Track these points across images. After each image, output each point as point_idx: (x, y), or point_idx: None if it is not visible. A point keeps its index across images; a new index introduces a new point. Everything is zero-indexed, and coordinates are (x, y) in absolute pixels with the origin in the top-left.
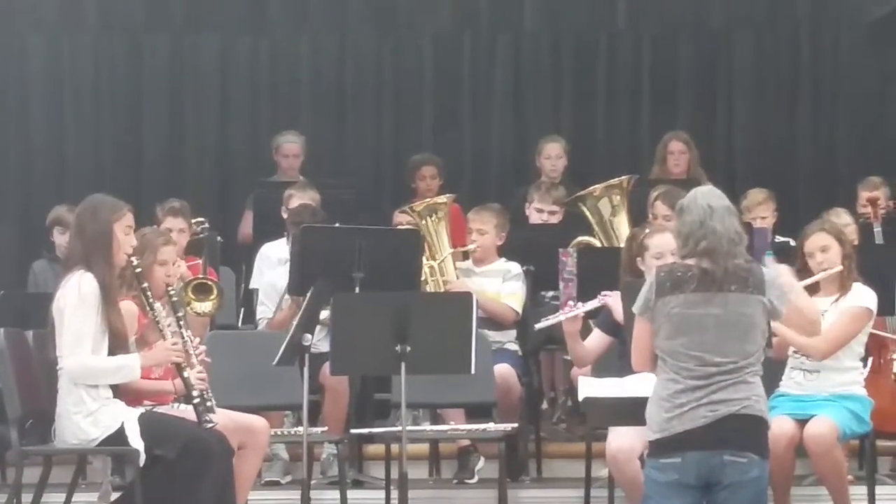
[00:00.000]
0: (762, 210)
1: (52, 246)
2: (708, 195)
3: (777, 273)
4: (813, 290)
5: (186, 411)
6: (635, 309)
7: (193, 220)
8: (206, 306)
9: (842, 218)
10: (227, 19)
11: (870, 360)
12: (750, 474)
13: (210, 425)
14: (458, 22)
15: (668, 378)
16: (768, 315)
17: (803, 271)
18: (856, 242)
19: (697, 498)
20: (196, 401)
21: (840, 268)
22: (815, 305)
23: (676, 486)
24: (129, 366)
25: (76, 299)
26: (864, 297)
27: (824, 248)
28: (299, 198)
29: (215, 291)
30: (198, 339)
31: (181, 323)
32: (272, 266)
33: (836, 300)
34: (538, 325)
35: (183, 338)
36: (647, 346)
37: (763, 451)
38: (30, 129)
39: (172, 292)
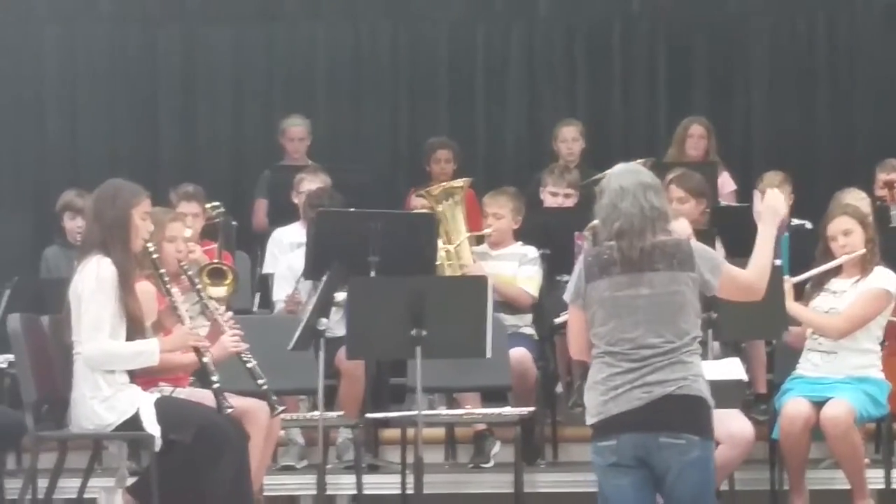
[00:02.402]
0: None
1: (62, 231)
2: (620, 175)
3: (710, 252)
4: (835, 272)
5: (203, 395)
6: (566, 297)
7: (209, 205)
8: (220, 291)
9: (855, 195)
10: (241, 8)
11: (885, 343)
12: (690, 455)
13: (230, 410)
14: (472, 8)
15: (603, 362)
16: (701, 289)
17: (826, 254)
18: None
19: (644, 476)
20: (216, 385)
21: (863, 251)
22: (767, 266)
23: (617, 467)
24: (148, 351)
25: (94, 284)
26: (884, 278)
27: (847, 231)
28: (310, 182)
29: (230, 276)
30: (223, 307)
31: (202, 294)
32: (285, 251)
33: (857, 281)
34: (558, 320)
35: (208, 307)
36: (581, 333)
37: (703, 432)
38: (45, 119)
39: (187, 267)
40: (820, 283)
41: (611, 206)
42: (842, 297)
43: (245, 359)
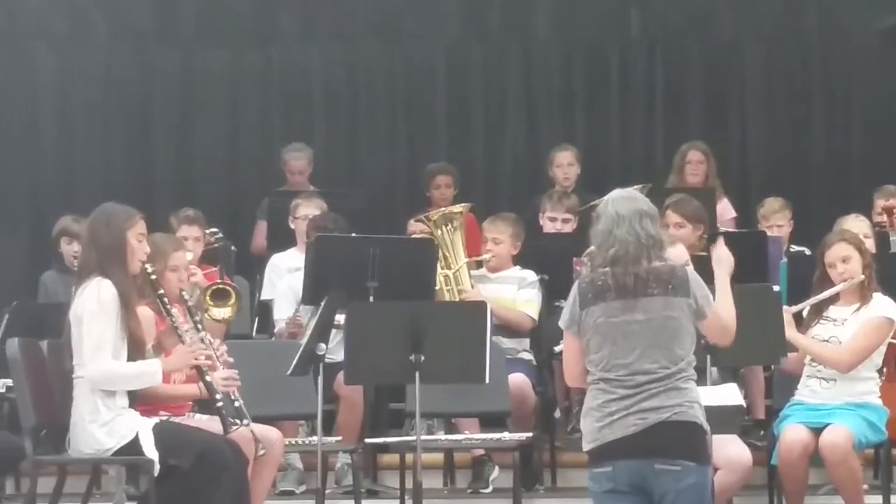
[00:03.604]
0: (778, 218)
1: (59, 256)
2: (617, 201)
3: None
4: (833, 299)
5: (203, 421)
6: (561, 323)
7: (207, 231)
8: (224, 312)
9: (857, 220)
10: (236, 31)
11: (884, 369)
12: (686, 482)
13: (235, 428)
14: (468, 32)
15: (599, 388)
16: (694, 316)
17: (824, 281)
18: (873, 251)
19: (640, 502)
20: (219, 404)
21: (861, 278)
22: (732, 310)
23: (613, 494)
24: (150, 371)
25: (95, 305)
26: (885, 307)
27: (845, 258)
28: (306, 207)
29: (233, 297)
30: (217, 341)
31: (199, 326)
32: (282, 276)
33: (857, 310)
34: (558, 348)
35: (203, 340)
36: (576, 360)
37: (700, 458)
38: (40, 142)
39: (187, 296)
40: (818, 310)
41: (606, 232)
42: (843, 325)
43: (234, 397)
